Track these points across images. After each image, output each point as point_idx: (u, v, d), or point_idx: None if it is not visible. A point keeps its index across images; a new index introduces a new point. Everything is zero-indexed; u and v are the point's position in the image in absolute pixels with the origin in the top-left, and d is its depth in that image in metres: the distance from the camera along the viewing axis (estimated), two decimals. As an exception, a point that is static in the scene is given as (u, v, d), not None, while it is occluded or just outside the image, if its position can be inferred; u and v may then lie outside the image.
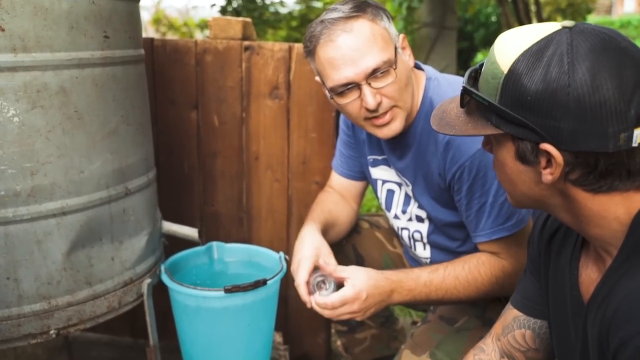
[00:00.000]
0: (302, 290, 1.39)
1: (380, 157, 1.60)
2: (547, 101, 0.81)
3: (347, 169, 1.73)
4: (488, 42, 8.67)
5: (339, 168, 1.74)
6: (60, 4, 1.24)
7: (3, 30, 1.18)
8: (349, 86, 1.34)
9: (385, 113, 1.37)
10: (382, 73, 1.33)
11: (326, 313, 1.35)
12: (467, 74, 0.95)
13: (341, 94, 1.36)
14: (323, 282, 1.38)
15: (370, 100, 1.33)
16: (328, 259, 1.40)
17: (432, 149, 1.41)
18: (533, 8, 6.11)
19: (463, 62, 8.33)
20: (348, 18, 1.32)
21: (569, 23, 0.85)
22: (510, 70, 0.84)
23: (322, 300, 1.34)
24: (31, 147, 1.25)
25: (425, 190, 1.48)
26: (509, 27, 5.74)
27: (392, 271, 1.40)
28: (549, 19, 8.48)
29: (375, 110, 1.35)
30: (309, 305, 1.39)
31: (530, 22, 5.84)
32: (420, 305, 1.63)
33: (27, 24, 1.20)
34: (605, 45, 0.81)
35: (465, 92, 0.92)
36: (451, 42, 6.24)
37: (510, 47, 0.86)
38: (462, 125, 0.93)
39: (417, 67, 1.51)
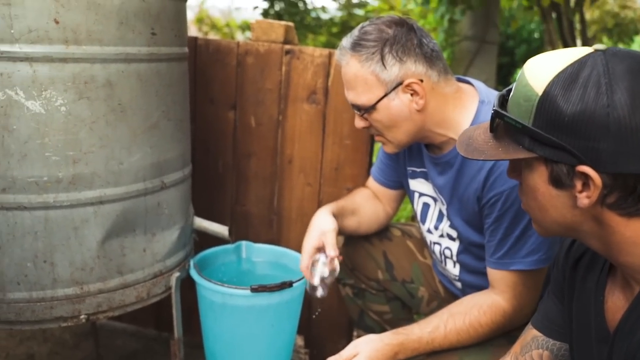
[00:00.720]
0: (306, 274, 1.48)
1: (419, 170, 1.60)
2: (585, 122, 0.80)
3: (383, 177, 1.74)
4: (529, 59, 8.53)
5: (376, 174, 1.76)
6: (112, 0, 1.28)
7: (57, 22, 1.22)
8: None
9: (377, 135, 1.48)
10: (359, 110, 1.42)
11: None
12: (495, 99, 0.94)
13: None
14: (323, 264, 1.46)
15: (356, 123, 1.47)
16: (329, 247, 1.46)
17: (473, 173, 1.40)
18: (578, 26, 6.01)
19: (503, 77, 8.23)
20: (347, 52, 1.40)
21: (601, 46, 0.85)
22: (546, 92, 0.83)
23: None
24: (75, 136, 1.29)
25: (459, 211, 1.48)
26: (552, 44, 5.65)
27: (392, 334, 1.40)
28: (594, 39, 8.32)
29: None
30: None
31: (574, 41, 5.74)
32: None
33: (80, 18, 1.25)
34: None
35: (497, 115, 0.91)
36: (491, 56, 6.17)
37: (543, 69, 0.86)
38: (491, 150, 0.92)
39: (468, 83, 1.49)
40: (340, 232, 1.61)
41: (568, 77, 0.82)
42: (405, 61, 1.36)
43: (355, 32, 1.42)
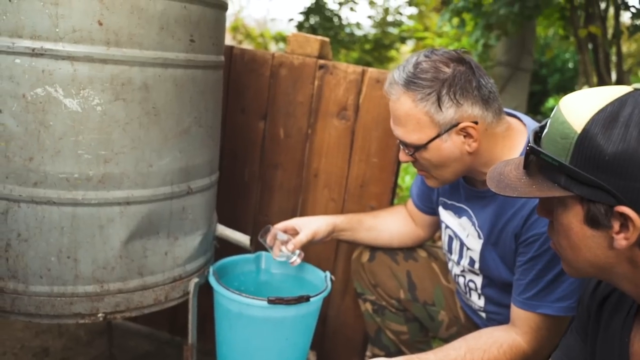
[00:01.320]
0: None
1: (450, 202, 1.58)
2: (627, 162, 0.78)
3: (419, 202, 1.75)
4: (562, 88, 8.45)
5: (415, 199, 1.77)
6: (155, 5, 1.30)
7: (101, 24, 1.25)
8: None
9: (420, 169, 1.46)
10: (407, 147, 1.40)
11: None
12: (530, 135, 0.93)
13: None
14: (284, 242, 1.66)
15: (400, 156, 1.46)
16: (300, 234, 1.64)
17: (515, 210, 1.37)
18: (614, 59, 5.93)
19: (534, 105, 8.15)
20: (400, 87, 1.35)
21: None
22: (585, 130, 0.82)
23: None
24: (109, 136, 1.31)
25: (495, 248, 1.45)
26: (587, 75, 5.58)
27: (407, 359, 1.33)
28: (629, 72, 8.18)
29: None
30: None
31: (609, 73, 5.65)
32: None
33: (122, 21, 1.27)
34: None
35: (532, 152, 0.89)
36: (524, 83, 6.12)
37: (581, 107, 0.84)
38: (525, 187, 0.90)
39: (516, 117, 1.46)
40: (352, 243, 1.78)
41: (609, 116, 0.81)
42: (462, 104, 1.30)
43: (410, 67, 1.34)
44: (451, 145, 1.35)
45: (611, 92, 0.84)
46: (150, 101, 1.35)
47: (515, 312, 1.39)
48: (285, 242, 1.66)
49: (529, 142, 0.91)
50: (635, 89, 0.83)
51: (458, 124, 1.32)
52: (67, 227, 1.33)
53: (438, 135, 1.33)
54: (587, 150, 0.81)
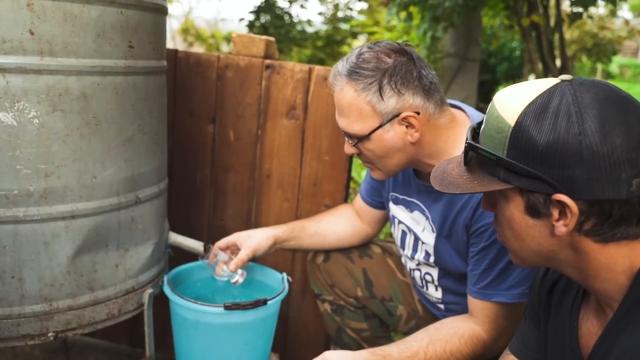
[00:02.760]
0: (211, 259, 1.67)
1: (401, 197, 1.59)
2: (559, 151, 0.80)
3: (368, 197, 1.75)
4: (510, 76, 8.66)
5: (363, 193, 1.77)
6: (90, 12, 1.27)
7: (32, 33, 1.21)
8: None
9: (365, 162, 1.45)
10: (350, 138, 1.40)
11: None
12: (467, 132, 0.94)
13: None
14: (226, 262, 1.64)
15: (345, 148, 1.45)
16: (241, 252, 1.63)
17: (464, 202, 1.39)
18: (558, 45, 6.11)
19: (484, 94, 8.32)
20: (343, 78, 1.36)
21: (566, 76, 0.86)
22: (518, 123, 0.84)
23: None
24: (48, 149, 1.27)
25: (448, 240, 1.47)
26: (532, 63, 5.73)
27: (367, 353, 1.36)
28: (573, 58, 8.46)
29: None
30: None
31: (553, 60, 5.82)
32: None
33: (55, 29, 1.23)
34: (607, 94, 0.83)
35: (470, 148, 0.91)
36: (473, 73, 6.25)
37: (513, 101, 0.86)
38: (467, 183, 0.92)
39: (460, 109, 1.47)
40: (299, 251, 1.81)
41: (538, 108, 0.83)
42: (404, 93, 1.31)
43: (352, 57, 1.35)
44: (394, 135, 1.35)
45: (540, 85, 0.87)
46: (90, 111, 1.31)
47: (472, 302, 1.41)
48: (226, 262, 1.63)
49: (466, 138, 0.93)
50: (563, 80, 0.86)
51: (399, 114, 1.33)
52: (10, 246, 1.28)
53: (380, 126, 1.34)
54: (521, 143, 0.83)
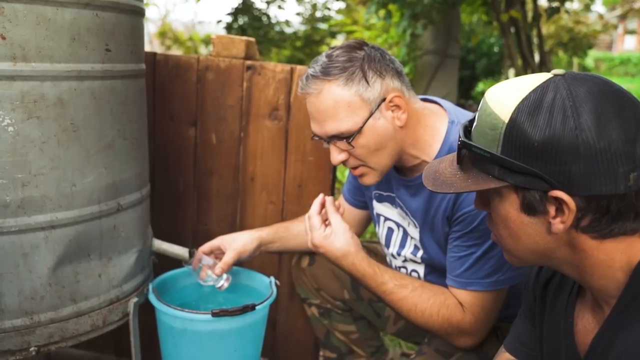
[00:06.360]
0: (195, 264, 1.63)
1: (385, 193, 1.58)
2: (555, 146, 0.79)
3: (351, 197, 1.74)
4: (490, 72, 8.73)
5: (346, 194, 1.76)
6: (64, 15, 1.23)
7: (4, 38, 1.16)
8: (320, 138, 1.41)
9: (355, 168, 1.41)
10: (342, 139, 1.36)
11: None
12: (460, 129, 0.93)
13: (320, 139, 1.42)
14: (210, 266, 1.61)
15: (333, 158, 1.40)
16: (226, 255, 1.60)
17: (443, 194, 1.38)
18: (535, 41, 6.16)
19: (464, 90, 8.38)
20: (320, 80, 1.33)
21: (559, 71, 0.85)
22: (512, 119, 0.82)
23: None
24: (24, 157, 1.23)
25: (431, 234, 1.46)
26: (511, 58, 5.77)
27: (367, 258, 1.41)
28: (550, 53, 8.55)
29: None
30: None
31: (532, 54, 5.87)
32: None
33: (28, 34, 1.19)
34: (601, 87, 0.81)
35: (464, 146, 0.89)
36: (453, 70, 6.27)
37: (506, 97, 0.85)
38: (461, 182, 0.90)
39: (435, 103, 1.48)
40: (284, 253, 1.81)
41: (532, 103, 0.82)
42: (385, 76, 1.34)
43: (323, 59, 1.36)
44: (384, 122, 1.35)
45: (533, 80, 0.85)
46: (68, 117, 1.27)
47: (450, 290, 1.41)
48: (211, 266, 1.60)
49: (459, 136, 0.91)
50: (555, 75, 0.84)
51: (385, 97, 1.35)
52: (-13, 259, 1.24)
53: (371, 115, 1.34)
54: (516, 139, 0.82)
